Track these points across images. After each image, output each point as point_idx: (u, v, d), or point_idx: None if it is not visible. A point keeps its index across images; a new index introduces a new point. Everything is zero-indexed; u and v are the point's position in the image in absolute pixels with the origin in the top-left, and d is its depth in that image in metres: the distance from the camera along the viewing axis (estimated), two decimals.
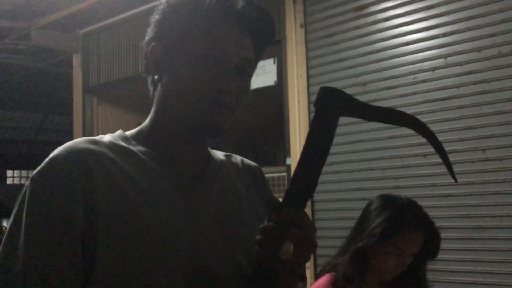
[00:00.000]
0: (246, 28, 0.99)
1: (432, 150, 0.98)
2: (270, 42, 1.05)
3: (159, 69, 1.01)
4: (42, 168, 0.91)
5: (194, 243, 0.94)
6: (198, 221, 0.97)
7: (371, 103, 0.93)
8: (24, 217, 0.88)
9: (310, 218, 3.29)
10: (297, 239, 0.86)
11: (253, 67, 1.03)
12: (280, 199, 0.91)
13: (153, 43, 1.01)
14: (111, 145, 0.98)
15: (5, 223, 8.24)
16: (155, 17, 1.03)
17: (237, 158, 1.18)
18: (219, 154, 1.14)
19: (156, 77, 1.02)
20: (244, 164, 1.17)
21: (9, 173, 12.45)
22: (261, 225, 0.89)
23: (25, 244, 0.86)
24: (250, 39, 1.00)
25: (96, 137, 0.99)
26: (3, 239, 0.89)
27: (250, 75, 1.02)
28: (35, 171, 0.92)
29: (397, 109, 0.97)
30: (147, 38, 1.04)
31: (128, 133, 1.05)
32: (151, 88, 1.05)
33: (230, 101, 0.97)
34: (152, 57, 1.01)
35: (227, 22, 0.98)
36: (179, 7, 1.00)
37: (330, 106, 0.91)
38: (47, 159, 0.92)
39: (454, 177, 1.00)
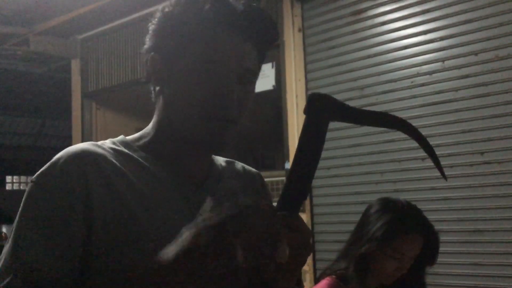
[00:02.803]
0: (247, 33, 0.96)
1: None
2: (272, 43, 1.03)
3: (159, 80, 0.99)
4: (42, 171, 0.92)
5: None
6: None
7: (366, 107, 0.94)
8: (22, 221, 0.88)
9: (309, 222, 3.26)
10: (292, 243, 0.85)
11: (256, 74, 1.01)
12: (275, 204, 0.91)
13: (152, 53, 0.99)
14: (112, 150, 0.98)
15: (4, 229, 8.23)
16: (152, 25, 1.00)
17: (238, 165, 1.17)
18: (221, 160, 1.14)
19: (157, 88, 1.01)
20: (245, 170, 1.17)
21: (9, 178, 12.43)
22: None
23: (16, 247, 0.86)
24: (251, 43, 0.97)
25: (98, 142, 0.99)
26: (6, 244, 0.89)
27: (253, 82, 1.00)
28: (35, 175, 0.92)
29: (385, 112, 0.99)
30: (145, 46, 1.01)
31: (129, 138, 1.04)
32: (152, 96, 1.04)
33: (233, 114, 0.96)
34: (151, 68, 1.00)
35: (226, 29, 0.94)
36: (174, 16, 0.97)
37: (320, 112, 0.92)
38: (48, 163, 0.93)
39: (442, 174, 1.00)
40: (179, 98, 0.96)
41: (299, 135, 0.91)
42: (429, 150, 0.97)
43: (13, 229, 0.89)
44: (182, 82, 0.96)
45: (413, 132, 0.97)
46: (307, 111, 0.92)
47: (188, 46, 0.95)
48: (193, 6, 0.96)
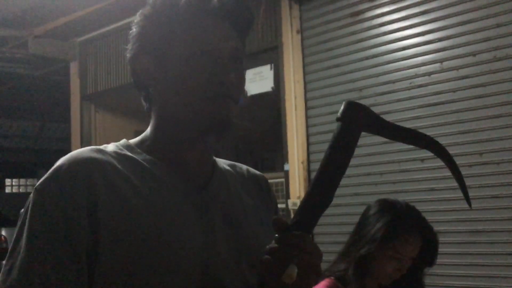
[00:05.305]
0: (226, 18, 1.00)
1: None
2: (250, 27, 1.06)
3: (152, 81, 1.00)
4: (46, 178, 0.90)
5: (202, 252, 0.93)
6: (205, 230, 0.96)
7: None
8: (26, 230, 0.87)
9: None
10: (302, 264, 0.85)
11: (243, 54, 1.04)
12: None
13: (140, 57, 1.01)
14: (116, 155, 0.97)
15: (3, 232, 8.22)
16: (133, 31, 1.02)
17: (243, 167, 1.17)
18: (224, 163, 1.13)
19: (151, 89, 1.01)
20: (250, 173, 1.17)
21: (8, 181, 12.44)
22: (268, 246, 0.88)
23: (26, 259, 0.85)
24: (232, 28, 1.01)
25: (101, 147, 0.98)
26: (7, 254, 0.88)
27: (242, 62, 1.03)
28: (39, 182, 0.90)
29: (418, 130, 0.96)
30: (130, 54, 1.02)
31: (132, 141, 1.04)
32: (145, 103, 1.05)
33: (232, 91, 0.98)
34: (143, 71, 1.01)
35: (207, 17, 0.99)
36: (156, 16, 1.00)
37: (354, 122, 0.89)
38: (51, 170, 0.91)
39: (469, 203, 0.99)
40: (178, 88, 0.97)
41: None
42: (458, 176, 0.95)
43: (18, 238, 0.88)
44: (179, 73, 0.97)
45: (445, 156, 0.95)
46: (341, 119, 0.89)
47: (176, 39, 0.98)
48: (170, 2, 1.00)
